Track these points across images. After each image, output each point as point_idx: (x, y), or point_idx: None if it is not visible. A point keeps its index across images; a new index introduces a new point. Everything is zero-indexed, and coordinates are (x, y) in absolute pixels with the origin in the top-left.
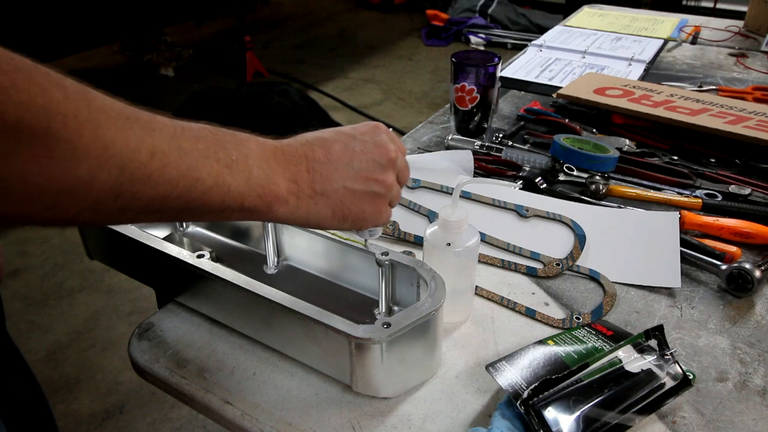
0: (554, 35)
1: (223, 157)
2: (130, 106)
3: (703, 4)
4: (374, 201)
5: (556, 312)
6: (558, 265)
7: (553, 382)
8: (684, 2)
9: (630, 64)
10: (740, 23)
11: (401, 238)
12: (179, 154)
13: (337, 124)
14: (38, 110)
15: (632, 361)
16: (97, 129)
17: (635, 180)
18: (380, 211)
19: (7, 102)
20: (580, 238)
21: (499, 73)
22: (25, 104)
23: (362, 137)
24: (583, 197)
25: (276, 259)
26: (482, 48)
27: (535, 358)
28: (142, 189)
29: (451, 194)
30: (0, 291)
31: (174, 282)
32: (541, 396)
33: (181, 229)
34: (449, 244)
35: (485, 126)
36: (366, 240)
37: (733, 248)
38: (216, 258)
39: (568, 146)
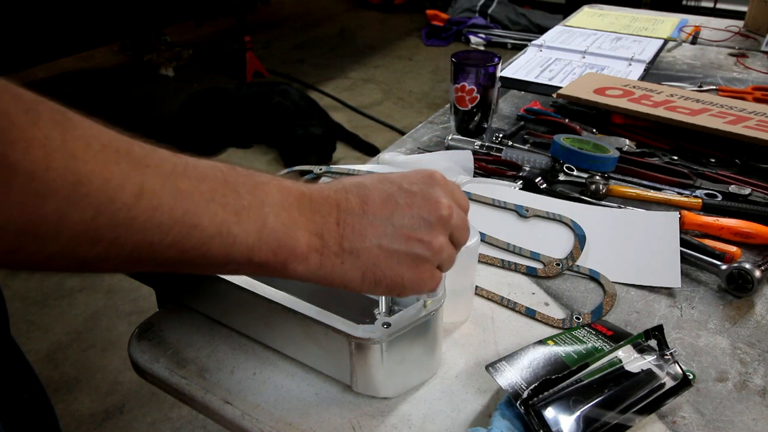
0: (554, 35)
1: (233, 201)
2: (126, 138)
3: (703, 4)
4: (415, 265)
5: (556, 312)
6: (558, 265)
7: (553, 382)
8: (684, 2)
9: (630, 64)
10: (740, 23)
11: None
12: (174, 195)
13: (337, 124)
14: None
15: (632, 361)
16: (68, 161)
17: (635, 180)
18: (422, 278)
19: None
20: (580, 238)
21: (499, 73)
22: None
23: (410, 188)
24: (583, 197)
25: None
26: (482, 48)
27: (535, 358)
28: (124, 234)
29: None
30: (3, 295)
31: (174, 282)
32: (541, 396)
33: None
34: None
35: (485, 126)
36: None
37: (733, 248)
38: None
39: (568, 146)
